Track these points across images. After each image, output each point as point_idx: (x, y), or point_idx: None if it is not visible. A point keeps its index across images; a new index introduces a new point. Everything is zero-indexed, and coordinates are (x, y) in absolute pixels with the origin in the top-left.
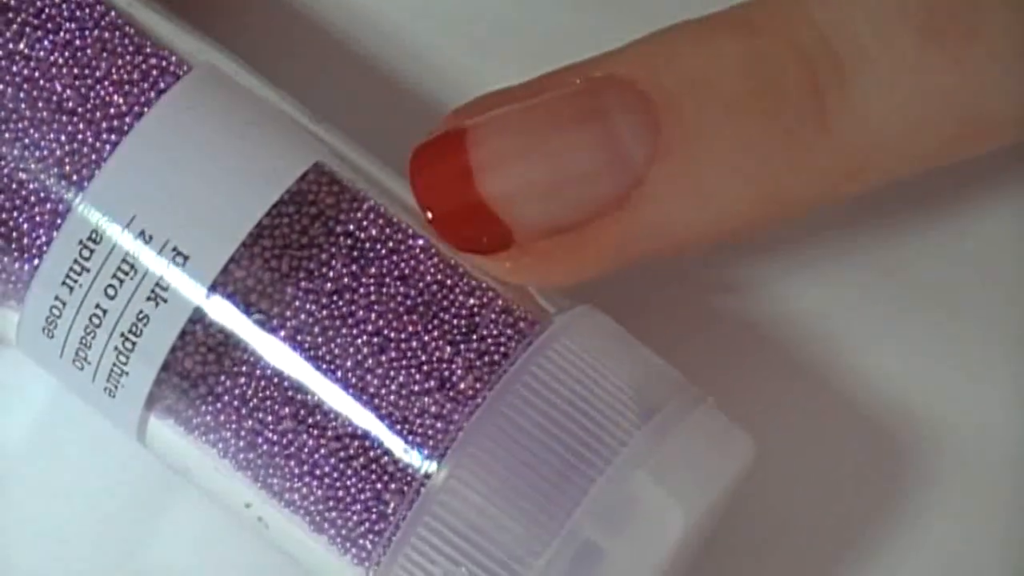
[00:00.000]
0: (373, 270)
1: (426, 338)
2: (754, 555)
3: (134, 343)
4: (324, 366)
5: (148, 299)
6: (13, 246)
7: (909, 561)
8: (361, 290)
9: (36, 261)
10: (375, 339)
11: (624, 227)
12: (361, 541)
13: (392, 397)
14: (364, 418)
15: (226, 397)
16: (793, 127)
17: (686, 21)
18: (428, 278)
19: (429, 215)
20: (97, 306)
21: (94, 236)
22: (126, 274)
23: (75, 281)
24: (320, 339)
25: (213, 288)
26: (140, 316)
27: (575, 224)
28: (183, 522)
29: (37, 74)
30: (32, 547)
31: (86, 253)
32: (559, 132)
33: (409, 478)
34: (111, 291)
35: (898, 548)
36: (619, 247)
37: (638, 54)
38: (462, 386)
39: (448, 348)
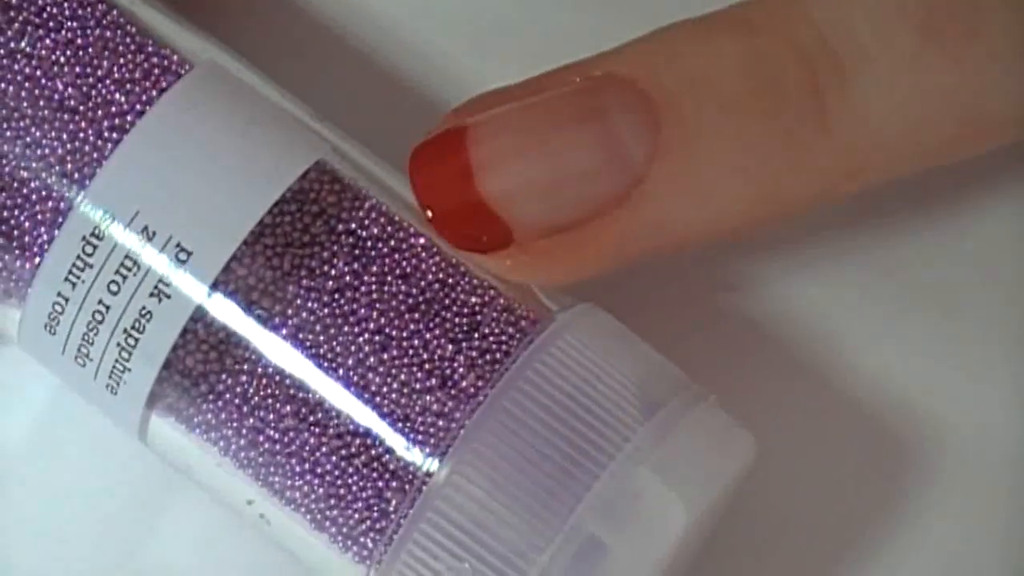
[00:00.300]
0: (375, 268)
1: (427, 336)
2: (754, 555)
3: (136, 340)
4: (326, 364)
5: (151, 295)
6: (14, 244)
7: (909, 561)
8: (363, 288)
9: (37, 259)
10: (377, 337)
11: (624, 226)
12: (362, 539)
13: (393, 395)
14: (365, 416)
15: (227, 395)
16: (793, 127)
17: (685, 20)
18: (430, 276)
19: (429, 214)
20: (100, 302)
21: (97, 232)
22: (129, 270)
23: (78, 277)
24: (322, 337)
25: (215, 286)
26: (143, 312)
27: (575, 223)
28: (183, 522)
29: (39, 72)
30: (32, 547)
31: (89, 249)
32: (558, 131)
33: (411, 476)
34: (114, 287)
35: (898, 548)
36: (619, 245)
37: (638, 53)
38: (463, 384)
39: (450, 346)
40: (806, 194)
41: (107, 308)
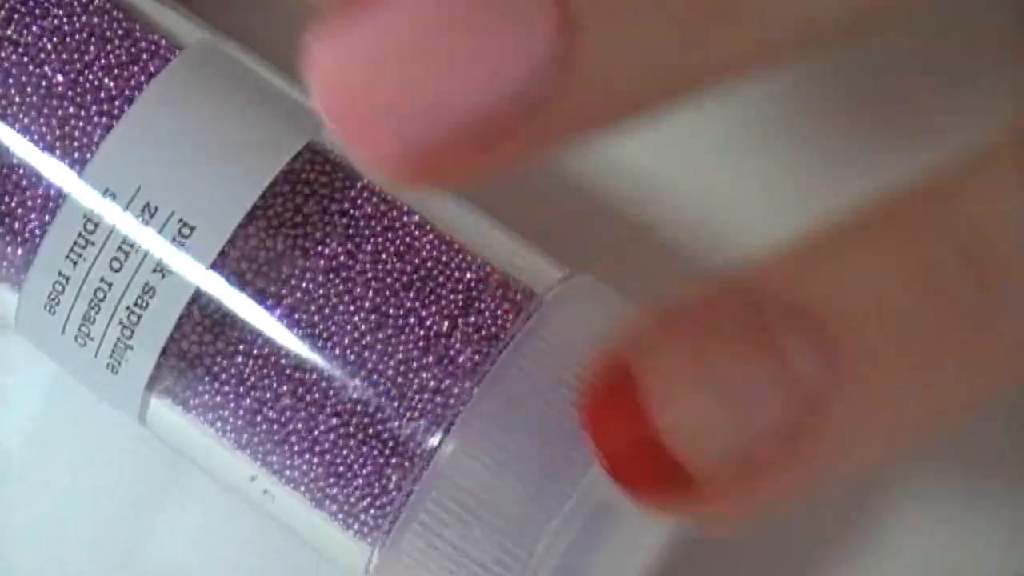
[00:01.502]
0: (369, 247)
1: (423, 313)
2: (753, 554)
3: (139, 316)
4: (322, 343)
5: (154, 271)
6: (4, 230)
7: (909, 561)
8: (357, 267)
9: (29, 245)
10: (372, 316)
11: (807, 459)
12: (363, 516)
13: (391, 373)
14: (363, 394)
15: (224, 376)
16: (969, 338)
17: (837, 227)
18: (424, 254)
19: (604, 462)
20: (102, 280)
21: (98, 210)
22: (131, 247)
23: (79, 256)
24: (317, 316)
25: (214, 265)
26: (146, 289)
27: (756, 459)
28: (182, 521)
29: (26, 60)
30: (31, 547)
31: (90, 227)
32: (736, 371)
33: (411, 453)
34: (116, 264)
35: (898, 548)
36: (803, 478)
37: (800, 272)
38: (461, 360)
39: (446, 323)
40: (979, 392)
41: (109, 285)
